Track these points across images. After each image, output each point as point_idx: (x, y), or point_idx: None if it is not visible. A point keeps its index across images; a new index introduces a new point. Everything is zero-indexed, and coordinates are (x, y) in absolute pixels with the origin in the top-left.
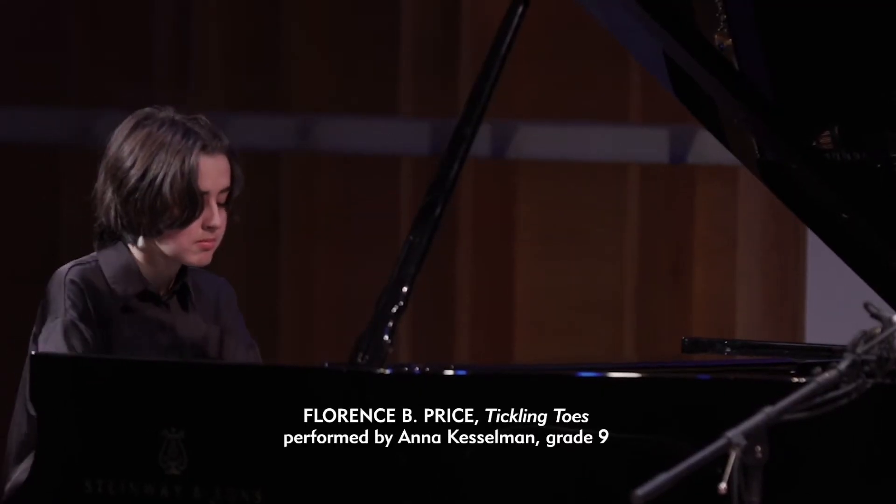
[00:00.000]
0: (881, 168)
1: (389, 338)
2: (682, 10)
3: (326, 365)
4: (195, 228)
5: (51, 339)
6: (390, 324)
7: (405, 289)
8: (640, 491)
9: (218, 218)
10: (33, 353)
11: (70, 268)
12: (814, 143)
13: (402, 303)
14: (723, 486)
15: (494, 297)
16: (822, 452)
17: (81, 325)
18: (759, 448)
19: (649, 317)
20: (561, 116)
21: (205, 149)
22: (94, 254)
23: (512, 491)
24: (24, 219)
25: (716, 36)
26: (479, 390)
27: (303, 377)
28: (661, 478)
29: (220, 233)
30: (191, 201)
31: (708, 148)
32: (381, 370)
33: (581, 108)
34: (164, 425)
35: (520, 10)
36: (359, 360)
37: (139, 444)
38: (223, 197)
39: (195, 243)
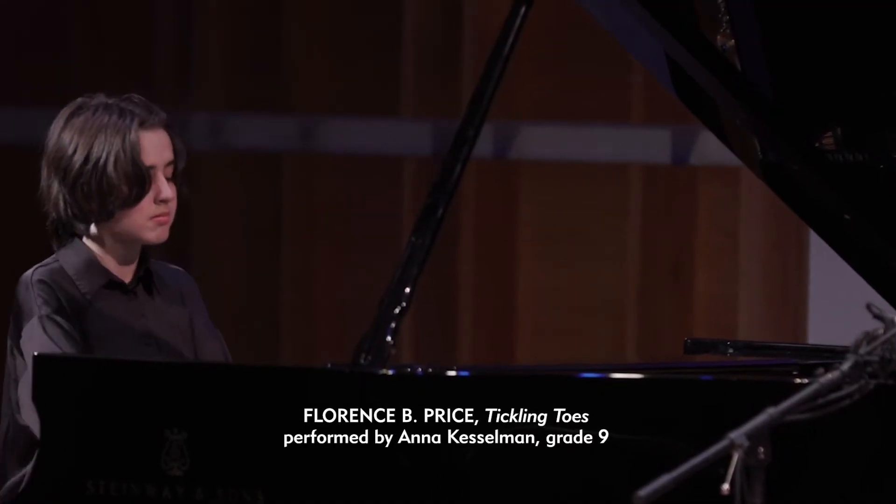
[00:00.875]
0: (883, 168)
1: (392, 339)
2: (683, 11)
3: (329, 366)
4: (147, 204)
5: (34, 338)
6: (392, 325)
7: (407, 290)
8: (642, 492)
9: (168, 190)
10: (35, 353)
11: (34, 270)
12: (816, 144)
13: (404, 304)
14: (725, 487)
15: (496, 297)
16: (825, 453)
17: (58, 318)
18: (761, 449)
19: (651, 317)
20: (563, 117)
21: (143, 124)
22: (53, 255)
23: (513, 492)
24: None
25: (718, 36)
26: (480, 391)
27: (305, 378)
28: (664, 479)
29: (173, 206)
30: (137, 177)
31: (710, 148)
32: (384, 371)
33: (583, 109)
34: (166, 426)
35: (522, 11)
36: (361, 360)
37: (141, 444)
38: (169, 171)
39: (150, 220)
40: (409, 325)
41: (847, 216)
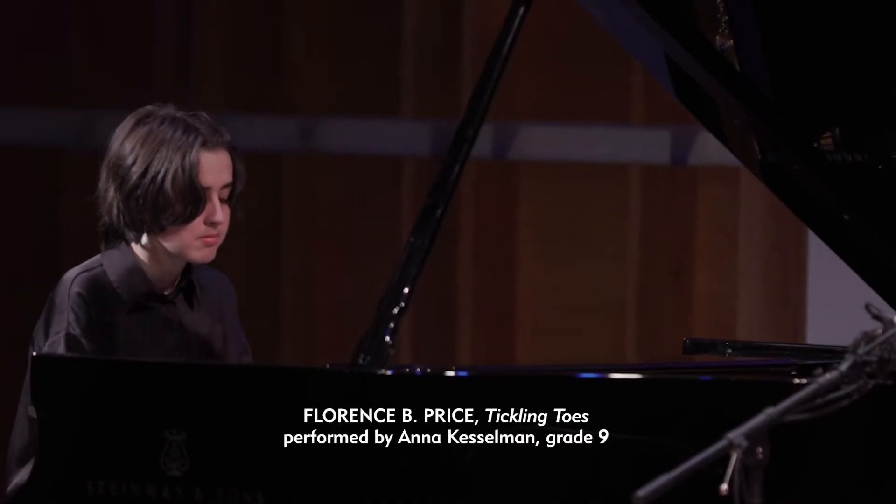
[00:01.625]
0: (882, 169)
1: (391, 339)
2: (682, 11)
3: (328, 366)
4: (198, 224)
5: (54, 351)
6: (392, 325)
7: (407, 290)
8: (642, 492)
9: (220, 214)
10: (34, 354)
11: (75, 276)
12: (815, 144)
13: (403, 304)
14: (724, 487)
15: (496, 298)
16: (824, 453)
17: (84, 341)
18: (760, 449)
19: (650, 318)
20: (562, 117)
21: (205, 144)
22: (98, 256)
23: (513, 492)
24: (24, 220)
25: (717, 37)
26: (480, 391)
27: (304, 378)
28: (663, 479)
29: (224, 229)
30: (193, 197)
31: (709, 149)
32: (383, 371)
33: (582, 109)
34: (165, 426)
35: (521, 11)
36: (360, 361)
37: (141, 445)
38: (226, 193)
39: (198, 239)
40: (409, 326)
41: (846, 216)
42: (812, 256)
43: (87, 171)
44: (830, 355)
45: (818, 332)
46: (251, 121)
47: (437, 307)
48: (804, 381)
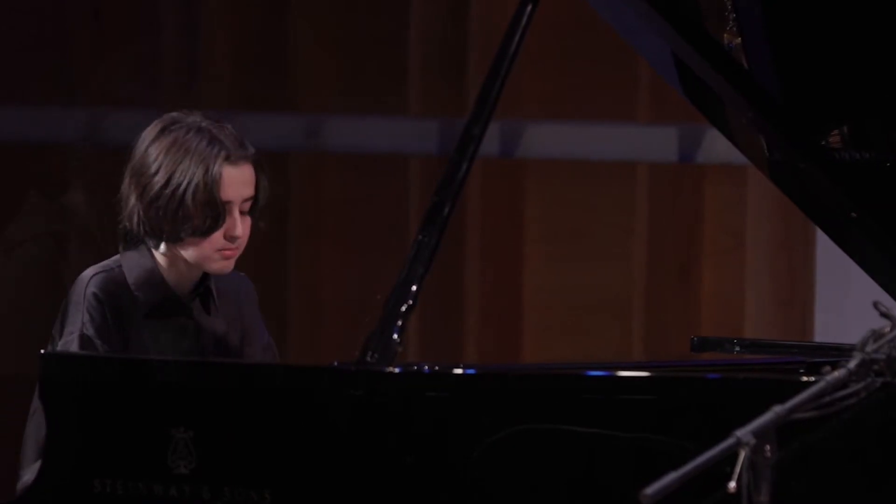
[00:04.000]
0: (890, 167)
1: (398, 337)
2: (690, 9)
3: (335, 364)
4: (217, 237)
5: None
6: (399, 323)
7: (414, 287)
8: (649, 490)
9: (240, 228)
10: (42, 352)
11: (92, 276)
12: (823, 143)
13: (410, 302)
14: (732, 485)
15: (502, 296)
16: (831, 451)
17: (98, 342)
18: (768, 447)
19: (658, 316)
20: (569, 116)
21: (228, 158)
22: (117, 257)
23: (519, 490)
24: (31, 217)
25: (724, 35)
26: (487, 389)
27: (311, 376)
28: (670, 477)
29: (243, 242)
30: (212, 211)
31: (717, 147)
32: (391, 369)
33: (589, 108)
34: (173, 424)
35: (528, 9)
36: (368, 359)
37: (148, 443)
38: (247, 206)
39: (217, 252)
40: (416, 324)
41: (854, 215)
42: (820, 255)
43: (94, 169)
44: (838, 353)
45: (826, 331)
46: (257, 119)
47: (444, 305)
48: (812, 378)
